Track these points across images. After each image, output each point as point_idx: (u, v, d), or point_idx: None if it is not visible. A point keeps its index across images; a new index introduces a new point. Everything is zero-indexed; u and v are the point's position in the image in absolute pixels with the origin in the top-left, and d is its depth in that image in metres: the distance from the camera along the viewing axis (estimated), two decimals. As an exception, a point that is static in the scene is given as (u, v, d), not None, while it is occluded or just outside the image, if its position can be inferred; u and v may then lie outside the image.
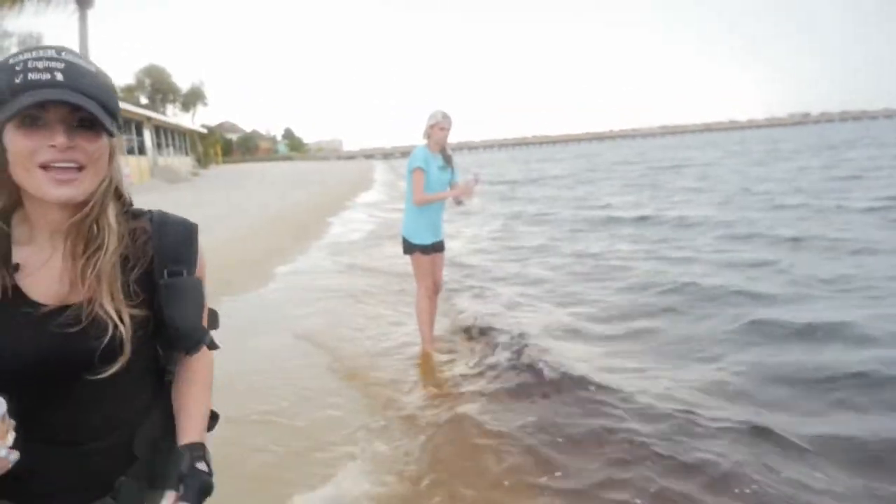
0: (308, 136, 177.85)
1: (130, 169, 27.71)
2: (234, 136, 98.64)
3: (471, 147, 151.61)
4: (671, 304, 6.56)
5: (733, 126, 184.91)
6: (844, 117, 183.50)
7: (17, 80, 1.03)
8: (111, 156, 1.15)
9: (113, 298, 1.15)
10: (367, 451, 3.67)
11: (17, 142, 1.04)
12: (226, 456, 3.50)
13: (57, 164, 1.05)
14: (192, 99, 61.42)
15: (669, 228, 11.93)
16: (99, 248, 1.14)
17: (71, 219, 1.12)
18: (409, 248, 5.19)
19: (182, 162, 41.74)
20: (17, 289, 1.12)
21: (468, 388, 4.61)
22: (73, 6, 20.04)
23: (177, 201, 20.27)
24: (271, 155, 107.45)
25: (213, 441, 1.34)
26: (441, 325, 5.88)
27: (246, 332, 5.93)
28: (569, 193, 21.86)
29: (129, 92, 53.14)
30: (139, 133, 32.26)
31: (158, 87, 56.94)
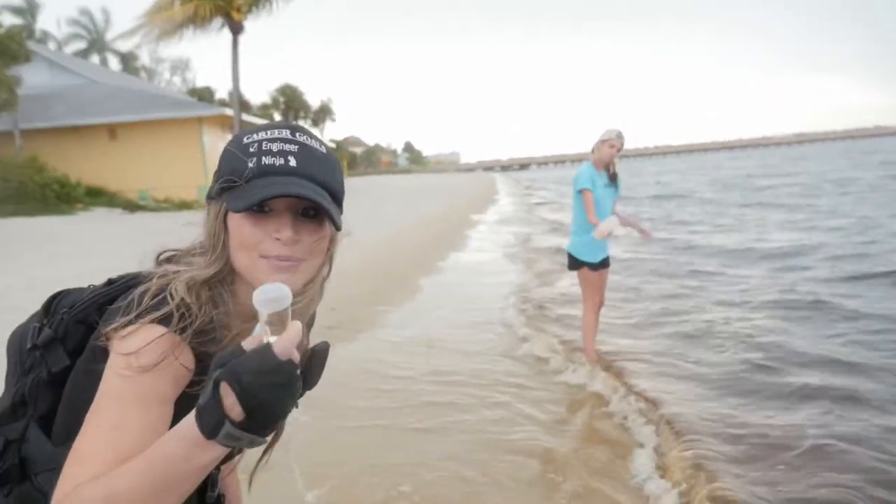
0: (427, 149, 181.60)
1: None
2: (358, 150, 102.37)
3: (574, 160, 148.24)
4: None
5: (880, 132, 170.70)
6: None
7: (251, 164, 0.99)
8: (329, 248, 1.09)
9: None
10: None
11: (244, 230, 1.00)
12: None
13: (279, 258, 1.00)
14: (321, 115, 64.33)
15: None
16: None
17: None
18: (576, 264, 5.21)
19: (313, 175, 43.74)
20: None
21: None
22: (226, 33, 21.41)
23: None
24: (392, 168, 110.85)
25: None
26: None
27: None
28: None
29: (265, 109, 56.40)
30: (276, 148, 34.06)
31: (291, 104, 60.02)
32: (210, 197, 1.06)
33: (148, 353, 0.95)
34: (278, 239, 0.99)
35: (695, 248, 11.59)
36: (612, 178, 5.15)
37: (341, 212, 1.08)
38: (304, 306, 1.07)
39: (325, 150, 1.05)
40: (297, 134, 1.02)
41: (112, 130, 22.83)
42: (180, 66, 59.85)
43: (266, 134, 1.01)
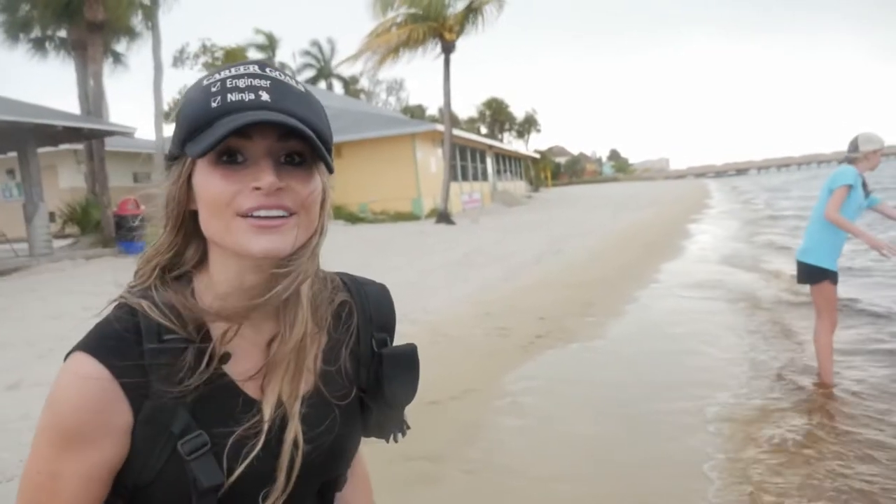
0: (633, 157, 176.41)
1: (479, 194, 30.33)
2: (562, 160, 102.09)
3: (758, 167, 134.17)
4: None
5: None
6: None
7: (214, 104, 0.80)
8: (323, 203, 0.89)
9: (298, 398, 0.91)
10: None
11: (213, 185, 0.80)
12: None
13: (261, 213, 0.80)
14: (526, 126, 65.38)
15: None
16: (291, 326, 0.89)
17: (270, 284, 0.84)
18: (817, 274, 4.68)
19: (517, 186, 44.37)
20: (232, 385, 0.86)
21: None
22: (438, 52, 22.54)
23: (517, 222, 21.58)
24: (596, 176, 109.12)
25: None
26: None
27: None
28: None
29: (471, 123, 58.40)
30: (482, 161, 35.14)
31: (497, 117, 61.61)
32: (172, 158, 0.86)
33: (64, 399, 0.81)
34: (258, 188, 0.79)
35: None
36: (866, 187, 4.67)
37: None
38: (291, 281, 0.84)
39: (304, 89, 0.86)
40: (268, 69, 0.85)
41: (338, 149, 25.01)
42: (395, 87, 64.06)
43: (230, 71, 0.83)
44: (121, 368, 0.79)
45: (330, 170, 0.85)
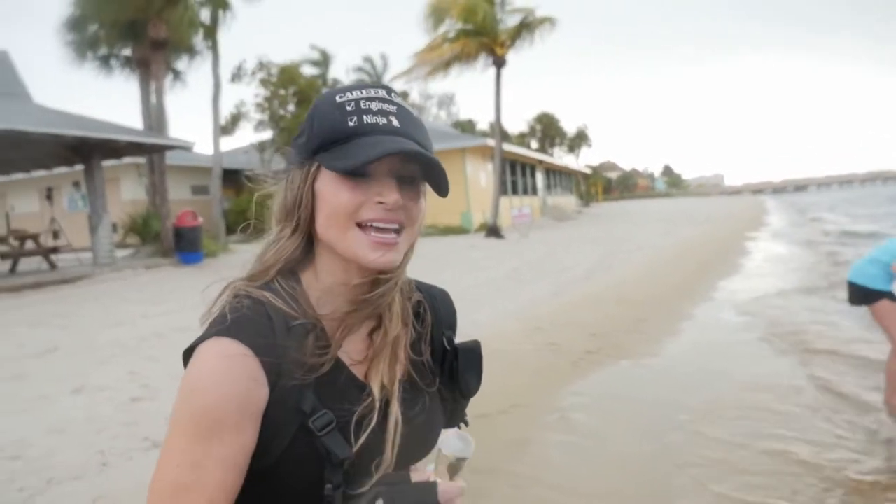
0: (687, 173, 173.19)
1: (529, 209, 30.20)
2: (613, 175, 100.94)
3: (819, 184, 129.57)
4: None
5: None
6: None
7: (352, 123, 0.89)
8: (419, 223, 0.98)
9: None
10: None
11: (340, 194, 0.89)
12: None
13: (379, 225, 0.89)
14: (577, 142, 64.88)
15: None
16: (390, 320, 0.99)
17: (371, 288, 0.95)
18: (871, 295, 4.48)
19: (567, 201, 43.97)
20: (346, 369, 0.96)
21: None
22: (490, 67, 22.62)
23: (567, 237, 21.39)
24: (649, 192, 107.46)
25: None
26: None
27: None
28: None
29: (521, 138, 58.22)
30: (532, 175, 34.99)
31: (547, 132, 61.32)
32: (296, 160, 0.95)
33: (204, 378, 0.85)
34: (381, 203, 0.89)
35: None
36: None
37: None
38: (391, 286, 0.96)
39: (416, 113, 0.96)
40: (392, 94, 0.94)
41: (389, 163, 25.23)
42: (446, 101, 64.37)
43: (361, 93, 0.92)
44: (261, 346, 0.86)
45: (444, 193, 0.94)
